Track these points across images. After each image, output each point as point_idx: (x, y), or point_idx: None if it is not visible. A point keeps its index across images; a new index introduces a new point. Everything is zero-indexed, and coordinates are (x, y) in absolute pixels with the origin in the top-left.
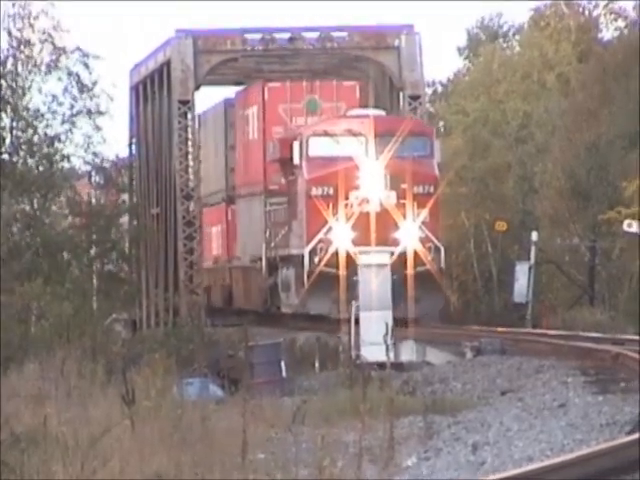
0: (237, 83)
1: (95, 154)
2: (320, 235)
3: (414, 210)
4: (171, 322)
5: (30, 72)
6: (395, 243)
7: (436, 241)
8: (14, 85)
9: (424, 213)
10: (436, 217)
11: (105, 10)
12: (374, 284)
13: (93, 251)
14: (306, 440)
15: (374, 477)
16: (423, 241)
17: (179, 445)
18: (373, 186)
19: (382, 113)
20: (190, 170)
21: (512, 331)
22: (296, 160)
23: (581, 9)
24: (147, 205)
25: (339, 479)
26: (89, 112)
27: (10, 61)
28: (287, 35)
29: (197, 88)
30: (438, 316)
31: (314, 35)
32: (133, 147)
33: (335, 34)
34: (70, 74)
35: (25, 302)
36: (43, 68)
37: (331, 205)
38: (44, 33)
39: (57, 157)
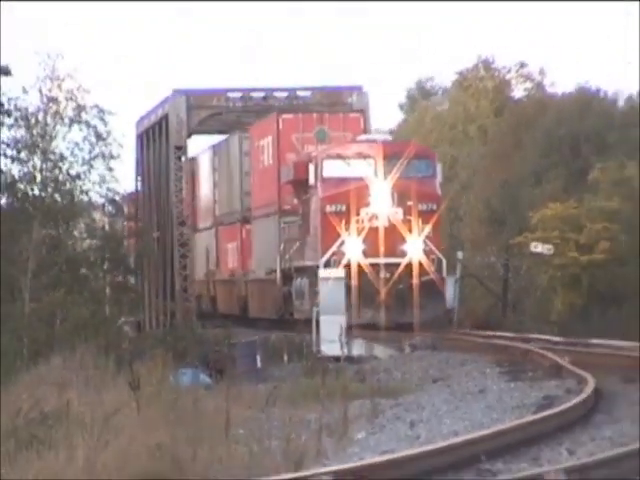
0: (221, 132)
1: (108, 189)
2: (334, 248)
3: (419, 225)
4: (169, 324)
5: (57, 123)
6: (402, 255)
7: (439, 253)
8: (44, 133)
9: (427, 228)
10: (438, 232)
11: (115, 70)
12: (332, 293)
13: (106, 267)
14: (277, 418)
15: (331, 448)
16: (427, 253)
17: (175, 422)
18: (382, 204)
19: (389, 138)
20: (184, 201)
21: (442, 331)
22: (311, 181)
23: (497, 73)
24: (149, 230)
25: (303, 449)
26: (104, 156)
27: (41, 114)
28: (262, 94)
29: (189, 136)
30: (441, 321)
31: (284, 94)
32: (138, 184)
33: (301, 93)
34: (89, 126)
35: (51, 308)
36: (67, 121)
37: (344, 221)
38: (69, 92)
39: (77, 192)
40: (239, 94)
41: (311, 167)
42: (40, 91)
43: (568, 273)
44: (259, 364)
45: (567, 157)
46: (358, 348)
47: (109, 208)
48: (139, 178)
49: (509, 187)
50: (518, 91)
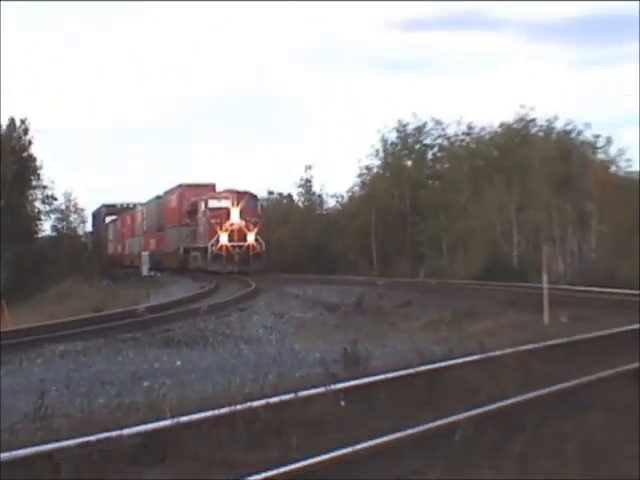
0: (114, 214)
1: (84, 230)
2: (215, 238)
3: (252, 228)
4: (100, 267)
5: (70, 213)
6: (245, 241)
7: (261, 240)
8: (66, 216)
9: (256, 229)
10: (262, 231)
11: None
12: (145, 258)
13: (84, 251)
14: (130, 292)
15: (145, 300)
16: (257, 240)
17: (104, 294)
18: (235, 218)
19: (239, 189)
20: (108, 233)
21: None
22: (202, 209)
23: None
24: (96, 241)
25: (138, 298)
26: (82, 221)
27: (65, 211)
28: (126, 204)
29: (106, 216)
30: (263, 270)
31: (132, 205)
32: (92, 229)
33: (139, 206)
34: (78, 214)
35: (67, 263)
36: (72, 212)
37: (219, 227)
38: (73, 205)
39: (77, 231)
40: (119, 204)
41: (201, 203)
42: (64, 204)
43: None
44: (124, 278)
45: None
46: (152, 273)
47: (84, 236)
48: (93, 227)
49: None
50: None
